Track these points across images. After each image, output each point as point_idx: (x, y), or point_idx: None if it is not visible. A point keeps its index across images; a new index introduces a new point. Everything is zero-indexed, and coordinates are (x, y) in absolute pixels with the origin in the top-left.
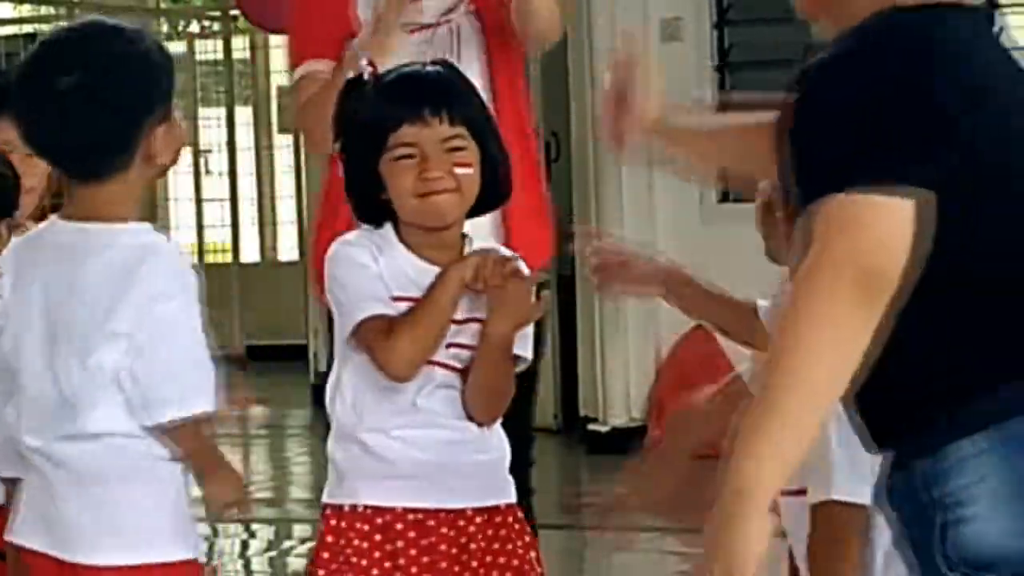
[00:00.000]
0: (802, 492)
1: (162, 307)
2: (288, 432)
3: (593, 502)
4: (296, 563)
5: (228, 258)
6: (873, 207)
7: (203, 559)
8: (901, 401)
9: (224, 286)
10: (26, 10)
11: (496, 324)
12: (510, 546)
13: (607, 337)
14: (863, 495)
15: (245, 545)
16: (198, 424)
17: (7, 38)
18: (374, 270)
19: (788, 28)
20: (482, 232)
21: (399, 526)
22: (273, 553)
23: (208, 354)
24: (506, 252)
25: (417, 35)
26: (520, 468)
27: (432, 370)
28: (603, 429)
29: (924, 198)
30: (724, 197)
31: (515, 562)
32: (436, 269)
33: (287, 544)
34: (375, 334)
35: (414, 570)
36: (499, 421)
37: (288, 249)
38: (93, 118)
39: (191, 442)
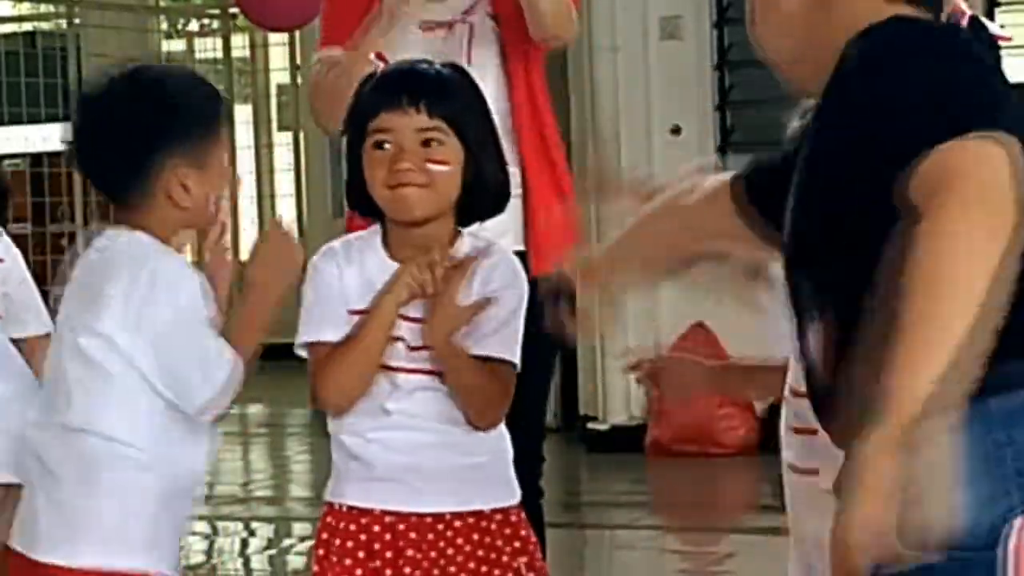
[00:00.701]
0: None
1: (151, 309)
2: (288, 431)
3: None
4: (296, 561)
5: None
6: (986, 148)
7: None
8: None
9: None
10: (26, 8)
11: (430, 333)
12: (494, 554)
13: (607, 335)
14: None
15: (245, 543)
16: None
17: (6, 36)
18: (335, 287)
19: None
20: (506, 240)
21: (376, 528)
22: (273, 551)
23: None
24: (437, 255)
25: (432, 33)
26: (528, 464)
27: (395, 376)
28: (603, 427)
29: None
30: None
31: (496, 571)
32: None
33: (287, 542)
34: (315, 362)
35: (388, 573)
36: (499, 424)
37: None
38: (103, 152)
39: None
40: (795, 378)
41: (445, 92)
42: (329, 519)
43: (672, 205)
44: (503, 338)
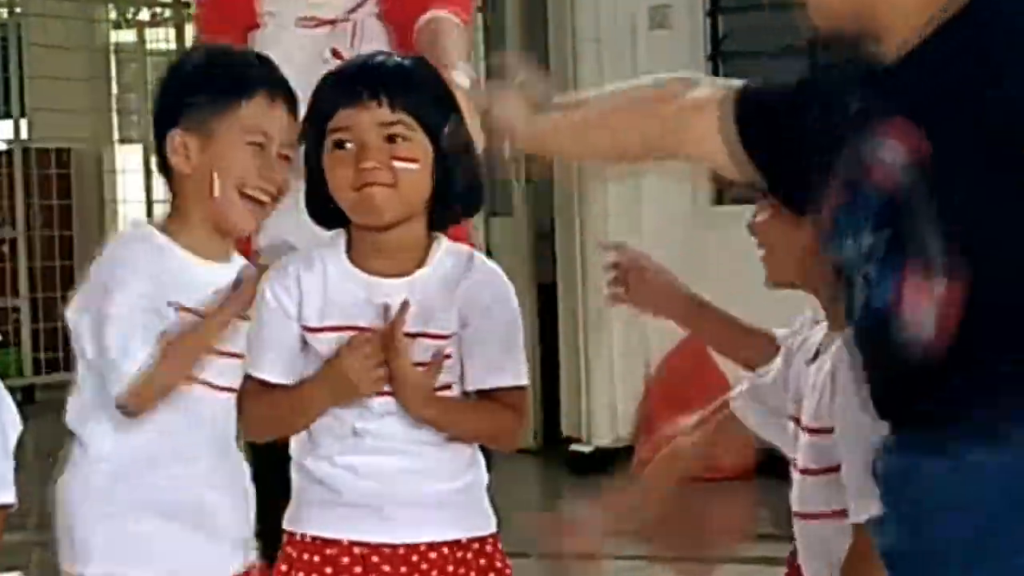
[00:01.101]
0: (837, 514)
1: None
2: None
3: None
4: None
5: None
6: None
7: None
8: None
9: None
10: None
11: (405, 408)
12: None
13: (591, 349)
14: None
15: None
16: None
17: None
18: (278, 316)
19: (785, 15)
20: None
21: (345, 560)
22: None
23: None
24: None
25: (316, 30)
26: None
27: (368, 399)
28: (586, 450)
29: None
30: (719, 199)
31: None
32: (376, 280)
33: None
34: (243, 392)
35: None
36: (516, 444)
37: None
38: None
39: None
40: (811, 415)
41: (408, 83)
42: (289, 550)
43: (647, 105)
44: (506, 362)
